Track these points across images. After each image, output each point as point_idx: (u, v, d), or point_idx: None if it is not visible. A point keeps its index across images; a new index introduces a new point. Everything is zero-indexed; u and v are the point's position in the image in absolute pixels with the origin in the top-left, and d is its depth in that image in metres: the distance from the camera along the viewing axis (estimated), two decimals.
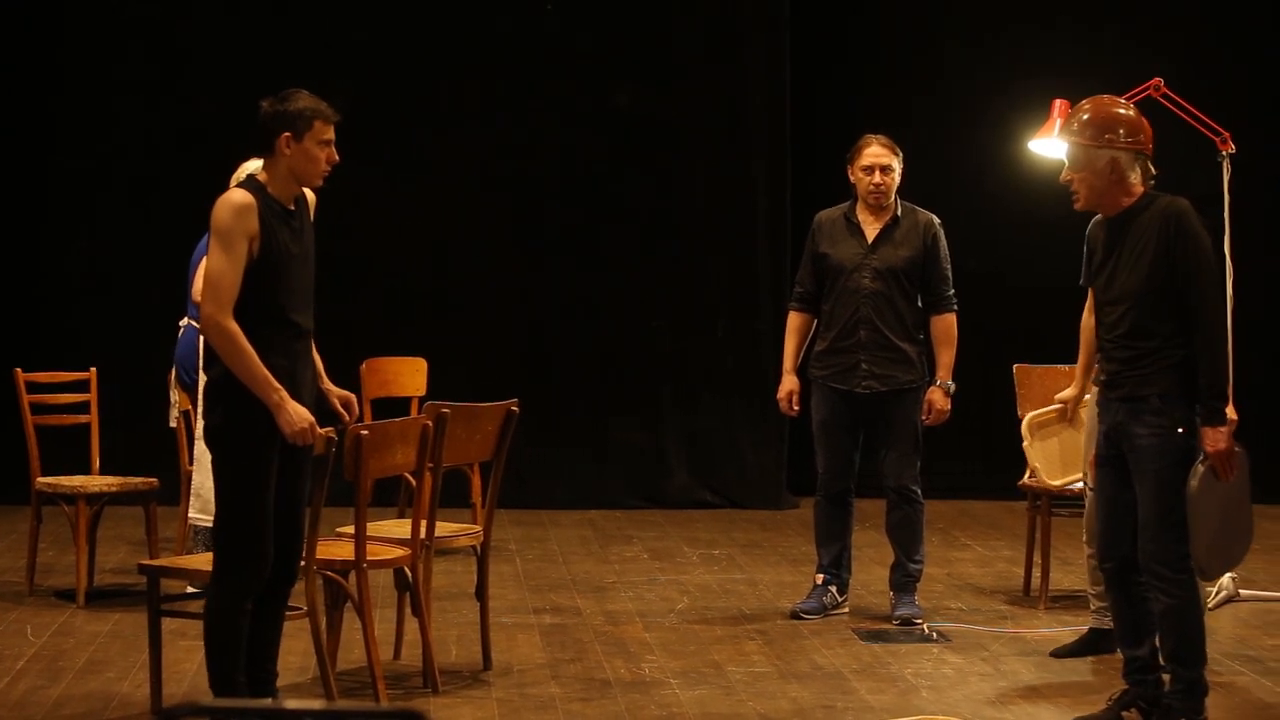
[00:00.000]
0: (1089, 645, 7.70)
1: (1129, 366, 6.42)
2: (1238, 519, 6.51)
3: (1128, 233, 6.45)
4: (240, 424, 6.10)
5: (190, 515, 8.43)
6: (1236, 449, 6.36)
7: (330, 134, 6.24)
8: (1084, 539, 7.85)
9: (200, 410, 6.32)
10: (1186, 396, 6.35)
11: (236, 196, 6.12)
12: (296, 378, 6.17)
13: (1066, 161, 6.56)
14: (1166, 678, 6.50)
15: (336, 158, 6.27)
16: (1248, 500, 6.54)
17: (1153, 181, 7.40)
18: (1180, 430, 6.35)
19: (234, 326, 6.03)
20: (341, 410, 6.47)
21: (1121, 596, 6.55)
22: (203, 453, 8.33)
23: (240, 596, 6.19)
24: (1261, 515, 11.09)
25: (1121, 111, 6.55)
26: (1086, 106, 6.56)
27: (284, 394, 6.07)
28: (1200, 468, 6.31)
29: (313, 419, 6.16)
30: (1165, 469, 6.35)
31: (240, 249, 6.06)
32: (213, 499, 8.20)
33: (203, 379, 7.94)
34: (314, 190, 6.39)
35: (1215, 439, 6.28)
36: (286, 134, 6.18)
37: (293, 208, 6.24)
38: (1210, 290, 6.37)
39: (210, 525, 8.33)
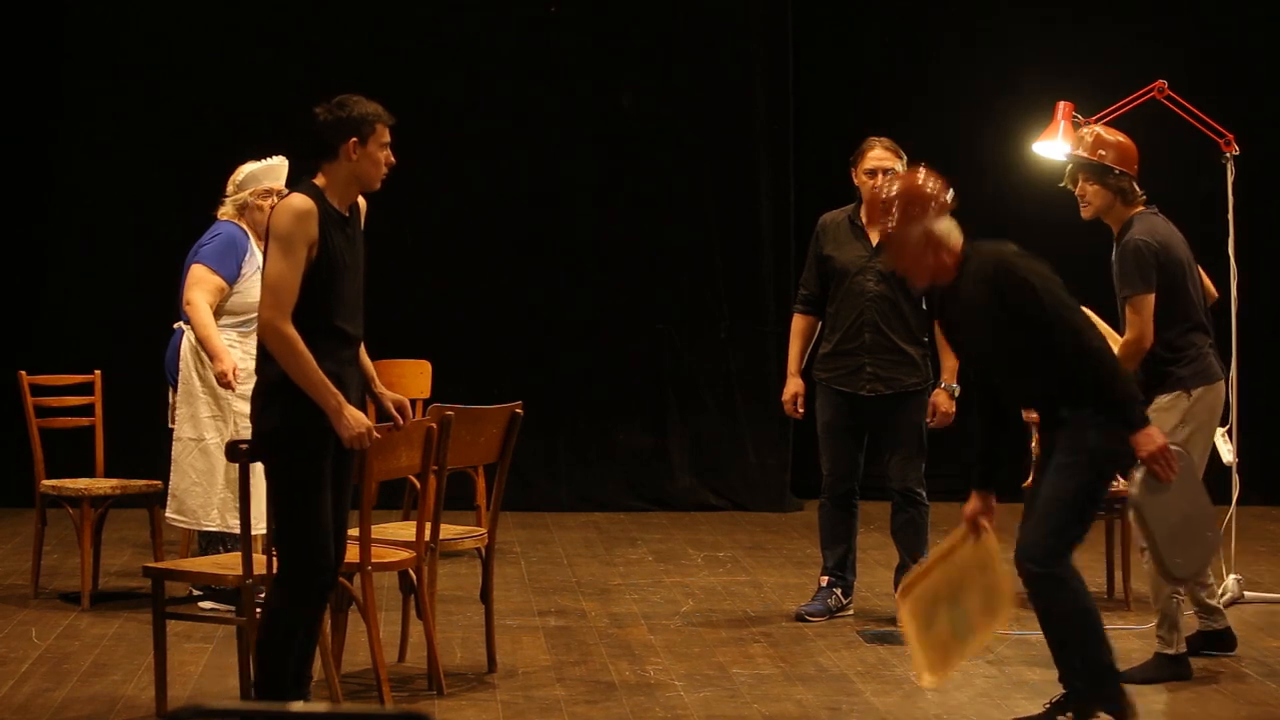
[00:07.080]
0: (1195, 646, 7.53)
1: (1025, 405, 6.68)
2: (1198, 512, 6.37)
3: (959, 299, 6.40)
4: (296, 429, 6.07)
5: (167, 515, 8.40)
6: (1172, 446, 6.20)
7: (388, 136, 6.22)
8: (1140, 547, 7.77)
9: (250, 414, 6.26)
10: (1075, 403, 6.25)
11: (298, 202, 6.07)
12: (344, 383, 6.14)
13: (889, 255, 6.57)
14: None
15: (394, 160, 6.26)
16: (1202, 491, 6.43)
17: (1143, 198, 7.39)
18: (1090, 444, 6.25)
19: (293, 332, 6.01)
20: (395, 413, 6.48)
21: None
22: (179, 454, 8.34)
23: (301, 605, 6.16)
24: (1265, 517, 11.18)
25: (919, 184, 6.48)
26: (891, 191, 6.48)
27: (342, 399, 6.06)
28: (1138, 475, 6.16)
29: (370, 424, 6.17)
30: (1063, 468, 6.29)
31: (300, 254, 6.02)
32: (188, 501, 8.28)
33: (232, 383, 8.00)
34: (366, 195, 6.35)
35: (1145, 442, 6.13)
36: (353, 139, 6.15)
37: (348, 215, 6.22)
38: (1063, 315, 6.20)
39: (188, 527, 8.36)
